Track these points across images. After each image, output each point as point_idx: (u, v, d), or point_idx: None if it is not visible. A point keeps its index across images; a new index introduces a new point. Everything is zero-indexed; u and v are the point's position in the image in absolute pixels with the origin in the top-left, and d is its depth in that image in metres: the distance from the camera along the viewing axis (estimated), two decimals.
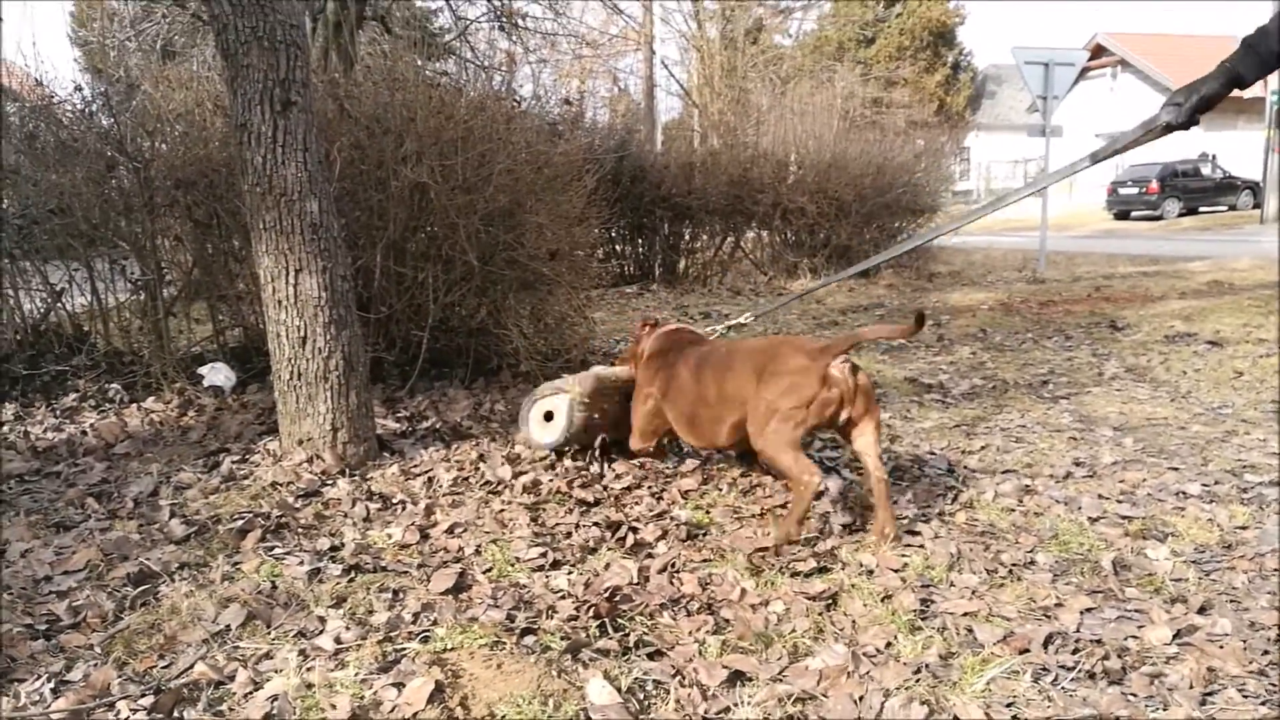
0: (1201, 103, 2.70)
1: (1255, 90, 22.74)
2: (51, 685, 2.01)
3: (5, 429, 4.08)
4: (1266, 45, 2.62)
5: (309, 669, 2.04)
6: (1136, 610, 2.34)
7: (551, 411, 3.52)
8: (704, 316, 8.12)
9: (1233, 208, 26.68)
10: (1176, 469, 3.48)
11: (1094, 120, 30.51)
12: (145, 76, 5.63)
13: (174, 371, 4.57)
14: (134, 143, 4.65)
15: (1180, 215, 25.93)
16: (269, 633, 2.22)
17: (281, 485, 3.28)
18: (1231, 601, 2.39)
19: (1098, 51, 31.93)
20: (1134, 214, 26.91)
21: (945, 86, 37.45)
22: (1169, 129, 2.80)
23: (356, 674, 2.02)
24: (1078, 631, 2.23)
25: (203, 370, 4.61)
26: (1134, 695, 1.96)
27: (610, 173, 8.02)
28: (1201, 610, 2.32)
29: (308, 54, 3.44)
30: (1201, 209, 26.58)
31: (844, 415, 2.80)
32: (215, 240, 4.91)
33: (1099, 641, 2.17)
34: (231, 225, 4.71)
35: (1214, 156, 28.00)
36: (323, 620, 2.28)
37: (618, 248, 10.79)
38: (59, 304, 4.78)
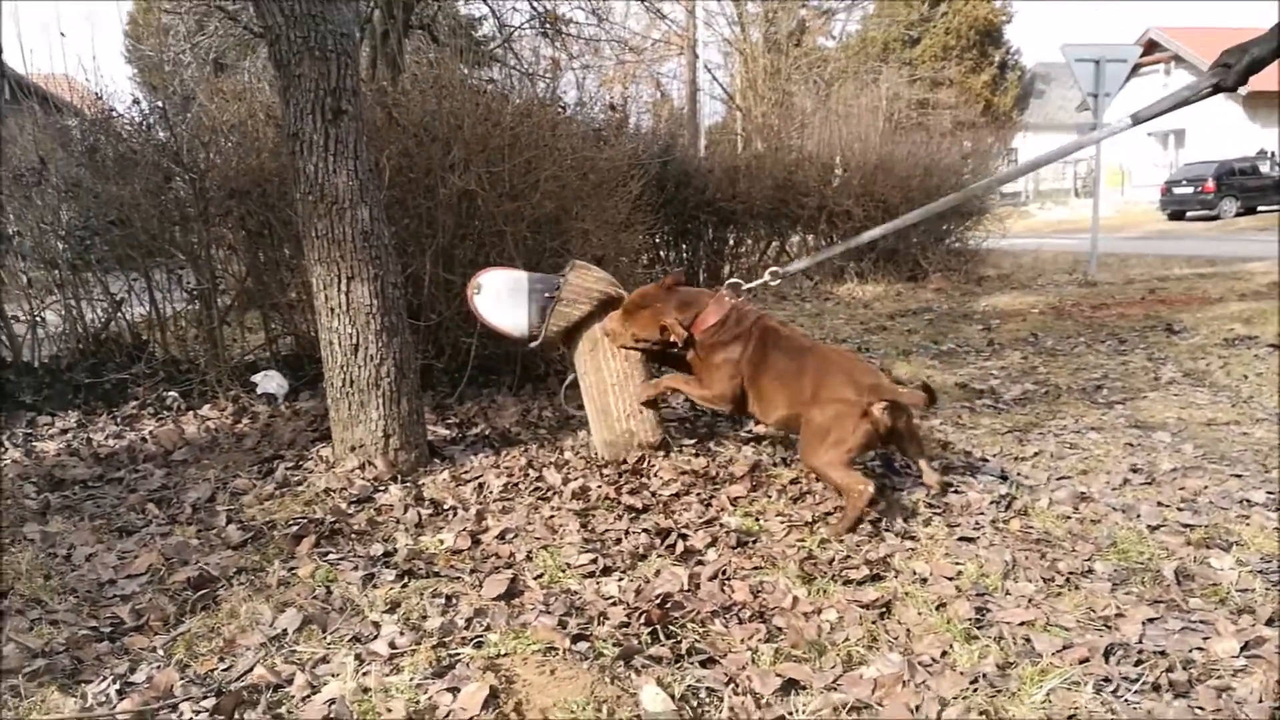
0: (1252, 64, 2.62)
1: None
2: (117, 686, 2.06)
3: (69, 436, 4.19)
4: None
5: (365, 673, 2.07)
6: (1201, 621, 2.28)
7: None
8: None
9: None
10: (1239, 476, 3.39)
11: None
12: (200, 89, 5.76)
13: (229, 379, 4.66)
14: (190, 154, 4.75)
15: (1238, 214, 25.25)
16: (325, 637, 2.26)
17: (335, 491, 3.33)
18: None
19: (1150, 47, 31.26)
20: (1189, 214, 26.27)
21: (992, 86, 36.93)
22: (1217, 90, 2.74)
23: (411, 679, 2.04)
24: (1140, 642, 2.18)
25: (256, 378, 4.70)
26: (1201, 709, 1.92)
27: (654, 178, 8.02)
28: (1270, 622, 2.26)
29: (358, 63, 3.49)
30: (1260, 208, 25.85)
31: (884, 442, 3.12)
32: (268, 249, 5.01)
33: (1163, 653, 2.12)
34: (283, 234, 4.80)
35: (1273, 154, 27.25)
36: (377, 625, 2.30)
37: (662, 253, 10.77)
38: (119, 313, 4.90)
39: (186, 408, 4.53)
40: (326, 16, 3.28)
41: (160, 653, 2.21)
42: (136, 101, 5.08)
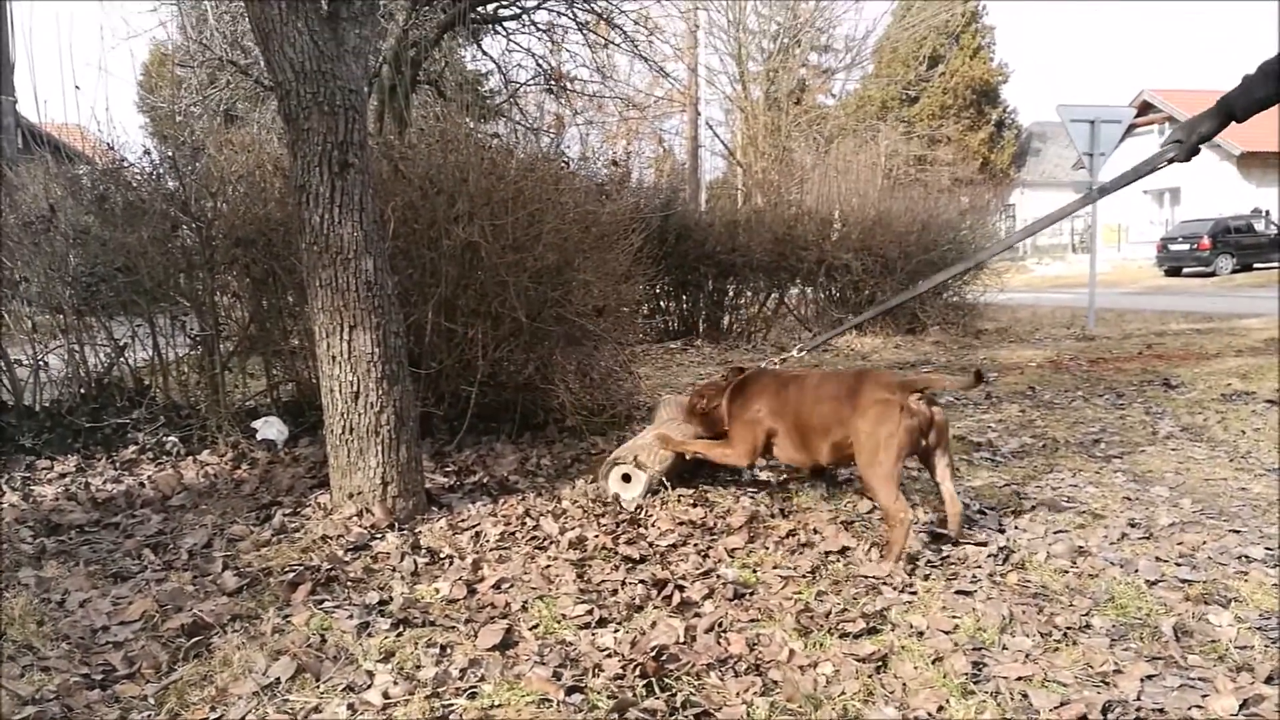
0: (1200, 139, 2.95)
1: None
2: None
3: (67, 480, 4.20)
4: (1266, 86, 2.70)
5: None
6: (1200, 678, 2.27)
7: (629, 475, 3.85)
8: None
9: None
10: (1238, 531, 3.38)
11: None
12: (209, 140, 5.86)
13: (229, 425, 4.68)
14: (197, 203, 4.83)
15: (1234, 271, 25.47)
16: (318, 686, 2.24)
17: (332, 538, 3.32)
18: None
19: (1144, 108, 31.75)
20: (1185, 270, 26.50)
21: (989, 144, 37.45)
22: (1172, 163, 3.04)
23: None
24: (1138, 700, 2.17)
25: (257, 424, 4.71)
26: None
27: (656, 231, 8.13)
28: (1269, 679, 2.24)
29: (365, 118, 3.57)
30: (1256, 265, 26.07)
31: (924, 443, 3.25)
32: (271, 297, 5.05)
33: (1161, 710, 2.11)
34: (287, 282, 4.85)
35: (1267, 212, 27.57)
36: (371, 674, 2.29)
37: (663, 304, 10.86)
38: (121, 358, 4.93)
39: (186, 453, 4.53)
40: (336, 73, 3.36)
41: (151, 701, 2.20)
42: (147, 151, 5.17)
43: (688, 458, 3.95)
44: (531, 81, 11.82)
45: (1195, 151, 2.97)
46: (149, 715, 2.12)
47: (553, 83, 11.83)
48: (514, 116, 11.19)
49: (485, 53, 11.85)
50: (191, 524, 3.56)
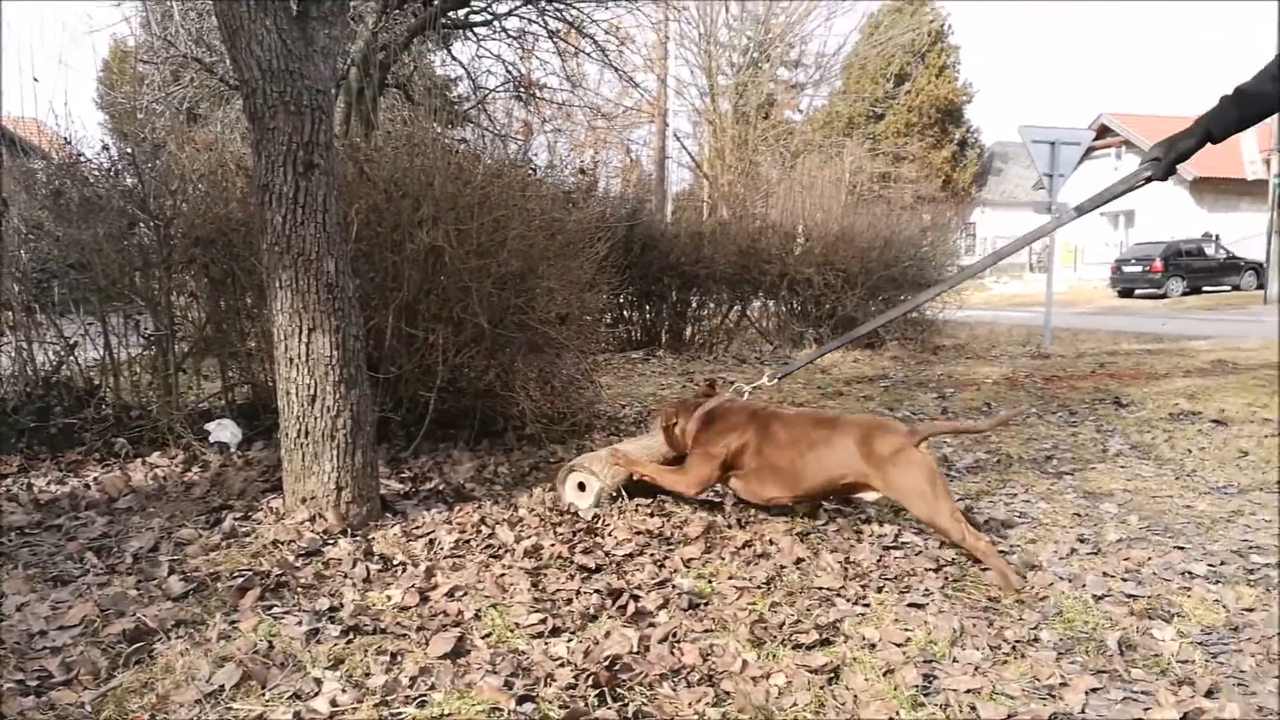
0: (1178, 157, 2.95)
1: (1259, 173, 23.06)
2: None
3: (9, 481, 4.10)
4: (1243, 107, 2.75)
5: None
6: (1143, 691, 2.31)
7: (584, 484, 3.85)
8: (708, 384, 8.14)
9: (1236, 288, 26.88)
10: (1182, 548, 3.45)
11: None
12: (170, 137, 5.77)
13: (181, 427, 4.60)
14: (156, 201, 4.74)
15: (1184, 294, 26.10)
16: (264, 694, 2.21)
17: (283, 543, 3.27)
18: (1239, 685, 2.35)
19: (1102, 132, 32.43)
20: (1138, 292, 27.10)
21: (952, 162, 38.05)
22: (1149, 180, 3.05)
23: None
24: (1083, 712, 2.20)
25: (210, 426, 4.63)
26: None
27: (621, 240, 8.14)
28: (1209, 694, 2.29)
29: (332, 118, 3.53)
30: (1205, 288, 26.76)
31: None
32: (229, 297, 4.98)
33: None
34: (246, 283, 4.78)
35: (1217, 237, 28.29)
36: (319, 682, 2.26)
37: (626, 313, 10.88)
38: (71, 357, 4.83)
39: (135, 455, 4.44)
40: (304, 73, 3.33)
41: (89, 709, 2.15)
42: (105, 147, 5.07)
43: (634, 478, 3.88)
44: (500, 88, 11.80)
45: (1172, 171, 2.98)
46: None
47: (522, 90, 11.82)
48: (482, 122, 11.16)
49: (455, 58, 11.81)
50: (138, 527, 3.49)
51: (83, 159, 4.95)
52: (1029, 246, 29.50)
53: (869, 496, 3.47)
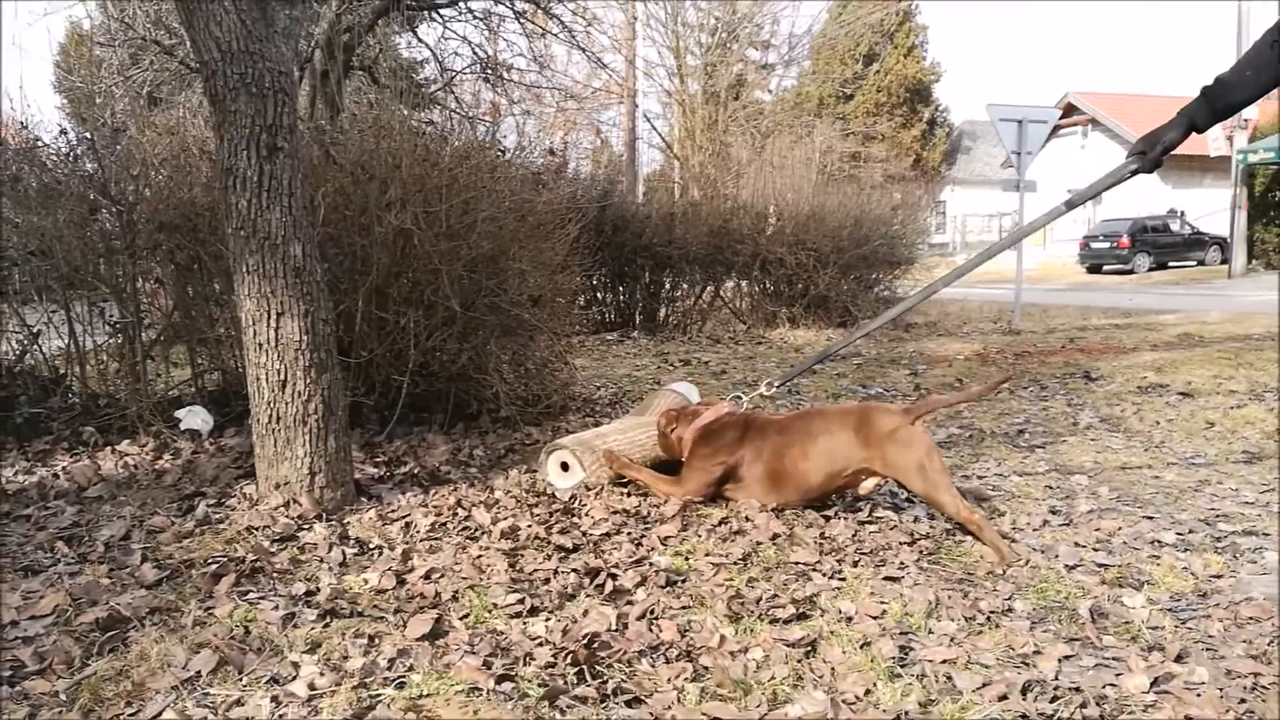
0: (1164, 149, 2.95)
1: (1222, 150, 23.38)
2: None
3: None
4: (1223, 97, 2.79)
5: (281, 715, 2.01)
6: (1114, 658, 2.35)
7: (568, 465, 3.83)
8: (683, 364, 8.16)
9: (1201, 263, 27.27)
10: (1151, 518, 3.51)
11: (1066, 177, 31.06)
12: (130, 121, 5.66)
13: (151, 415, 4.53)
14: (117, 186, 4.65)
15: (1151, 269, 26.45)
16: (241, 679, 2.19)
17: (257, 529, 3.24)
18: (1208, 650, 2.40)
19: (1069, 110, 32.72)
20: (1106, 268, 27.42)
21: (922, 142, 38.22)
22: (1135, 174, 3.07)
23: None
24: (1056, 679, 2.23)
25: (180, 413, 4.57)
26: None
27: (593, 222, 8.10)
28: (1178, 658, 2.33)
29: (295, 100, 3.48)
30: (1171, 264, 27.12)
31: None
32: (196, 284, 4.91)
33: (1077, 689, 2.18)
34: (214, 269, 4.71)
35: (1182, 213, 28.64)
36: (296, 666, 2.24)
37: (599, 295, 10.85)
38: (35, 345, 4.74)
39: (104, 444, 4.38)
40: (264, 54, 3.27)
41: (63, 698, 2.12)
42: (63, 131, 4.97)
43: (626, 480, 3.86)
44: (467, 70, 11.69)
45: (1159, 163, 3.01)
46: (60, 712, 2.05)
47: (489, 71, 11.71)
48: (449, 105, 11.05)
49: (420, 40, 11.67)
50: (109, 516, 3.44)
51: (40, 144, 4.84)
52: (999, 225, 29.68)
53: (869, 484, 3.49)
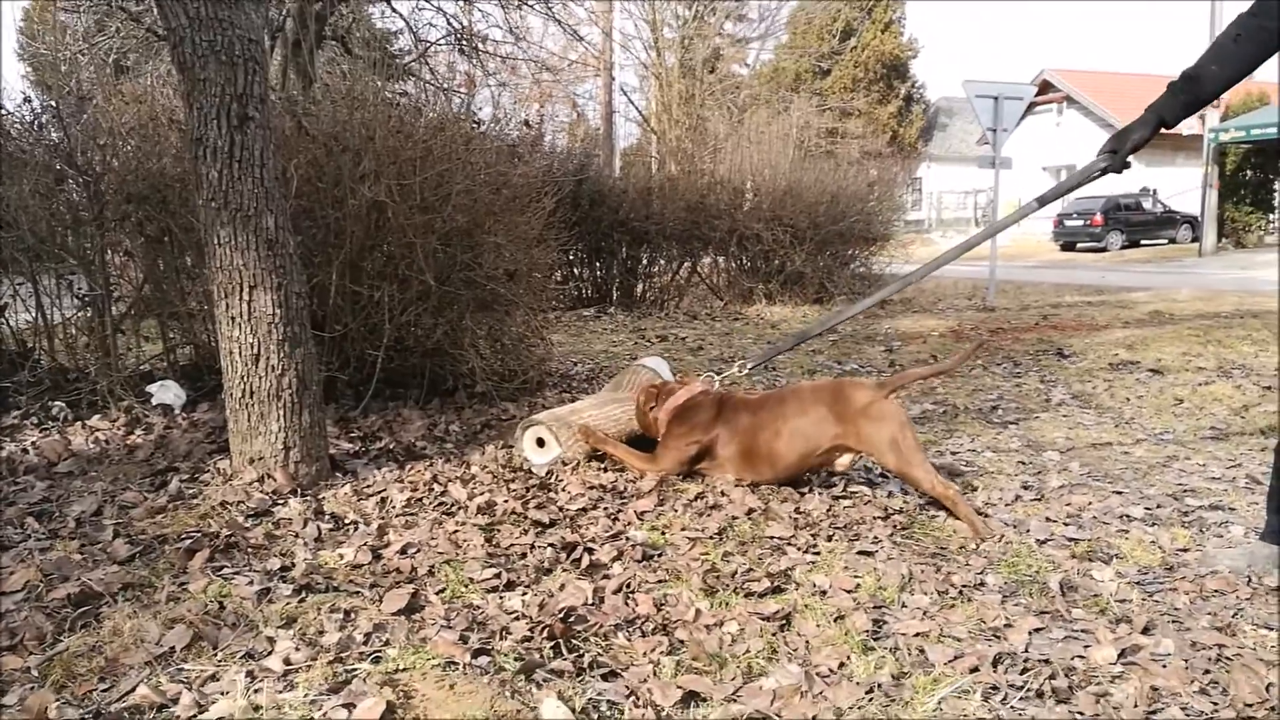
0: (1134, 147, 2.98)
1: (1194, 129, 23.52)
2: None
3: None
4: (1190, 91, 2.82)
5: (257, 690, 2.00)
6: (1083, 630, 2.38)
7: (544, 441, 3.83)
8: (660, 340, 8.16)
9: (1172, 241, 27.59)
10: (1120, 493, 3.56)
11: (1041, 154, 31.30)
12: (97, 90, 5.54)
13: (122, 389, 4.47)
14: (84, 156, 4.56)
15: (1123, 247, 26.71)
16: (215, 654, 2.18)
17: (231, 504, 3.22)
18: (1174, 622, 2.44)
19: (1045, 88, 32.78)
20: (1079, 245, 27.67)
21: (898, 118, 38.20)
22: (1105, 172, 3.08)
23: (306, 695, 1.98)
24: (1026, 651, 2.26)
25: (152, 388, 4.52)
26: (1081, 714, 2.00)
27: (569, 196, 8.05)
28: (1145, 630, 2.37)
29: (266, 69, 3.42)
30: (1143, 242, 27.41)
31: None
32: (167, 256, 4.83)
33: (1047, 661, 2.21)
34: (185, 241, 4.64)
35: (1155, 191, 28.90)
36: (272, 641, 2.23)
37: (576, 270, 10.81)
38: (2, 318, 4.66)
39: (74, 418, 4.32)
40: (234, 21, 3.21)
41: (35, 674, 2.10)
42: (27, 99, 4.86)
43: (603, 455, 3.87)
44: (442, 41, 11.54)
45: (1128, 164, 3.04)
46: (32, 688, 2.03)
47: (464, 43, 11.57)
48: (424, 76, 10.91)
49: (395, 10, 11.50)
50: (80, 491, 3.40)
51: (3, 112, 4.73)
52: (975, 201, 29.72)
53: (845, 460, 3.51)
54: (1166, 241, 27.65)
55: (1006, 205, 34.15)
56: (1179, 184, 29.32)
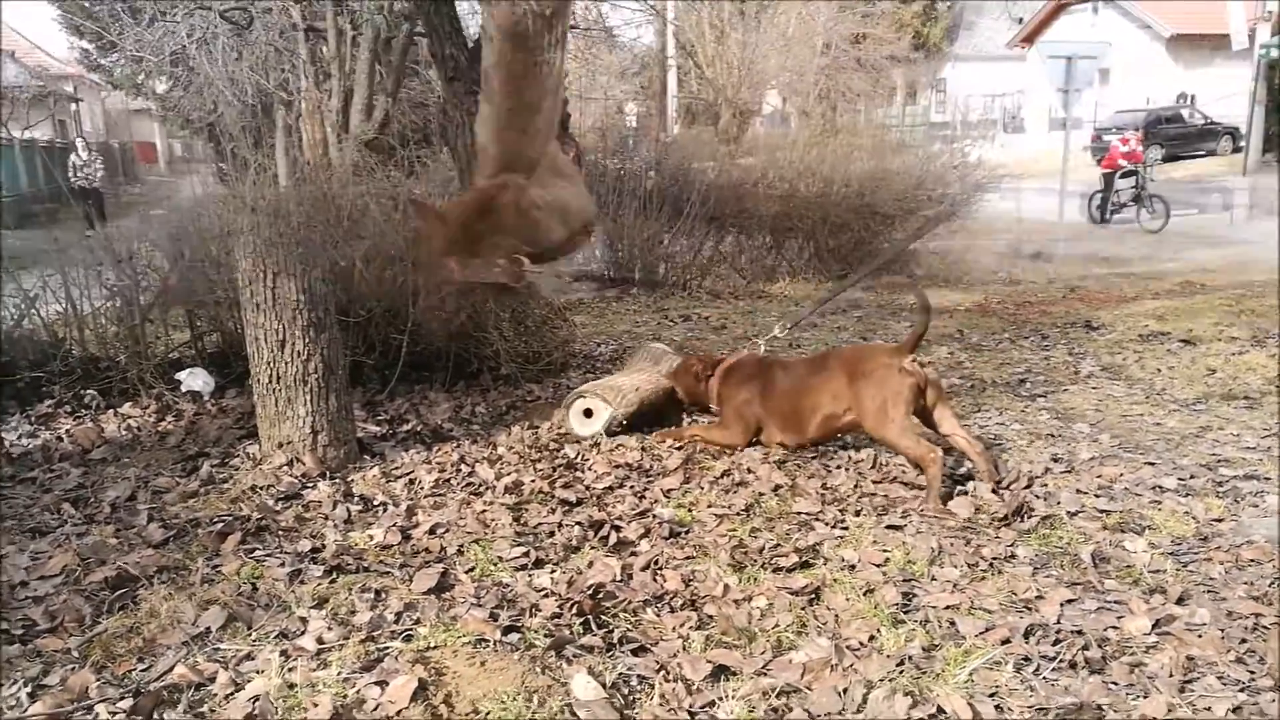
0: None
1: (1243, 44, 22.22)
2: (29, 689, 1.99)
3: None
4: None
5: (291, 669, 2.03)
6: (1116, 601, 2.36)
7: (591, 410, 3.92)
8: (683, 319, 8.13)
9: (1212, 153, 25.96)
10: (1152, 464, 3.51)
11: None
12: None
13: (151, 377, 4.52)
14: None
15: (1163, 161, 25.31)
16: (250, 634, 2.21)
17: (261, 488, 3.25)
18: (1209, 592, 2.42)
19: None
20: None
21: (923, 17, 36.60)
22: None
23: (339, 673, 2.01)
24: (1058, 623, 2.25)
25: (181, 375, 4.56)
26: (1115, 684, 1.99)
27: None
28: (1180, 601, 2.35)
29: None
30: (1182, 155, 25.92)
31: (923, 402, 3.34)
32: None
33: (1079, 632, 2.19)
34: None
35: (1193, 98, 27.57)
36: (304, 621, 2.26)
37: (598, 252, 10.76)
38: (33, 310, 4.72)
39: (106, 406, 4.37)
40: None
41: (75, 654, 2.14)
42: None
43: (683, 441, 3.88)
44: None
45: None
46: (73, 668, 2.07)
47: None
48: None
49: None
50: (113, 477, 3.46)
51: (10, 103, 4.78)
52: (1003, 106, 28.00)
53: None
54: (1205, 154, 26.34)
55: (1037, 112, 32.52)
56: (1218, 89, 27.41)
